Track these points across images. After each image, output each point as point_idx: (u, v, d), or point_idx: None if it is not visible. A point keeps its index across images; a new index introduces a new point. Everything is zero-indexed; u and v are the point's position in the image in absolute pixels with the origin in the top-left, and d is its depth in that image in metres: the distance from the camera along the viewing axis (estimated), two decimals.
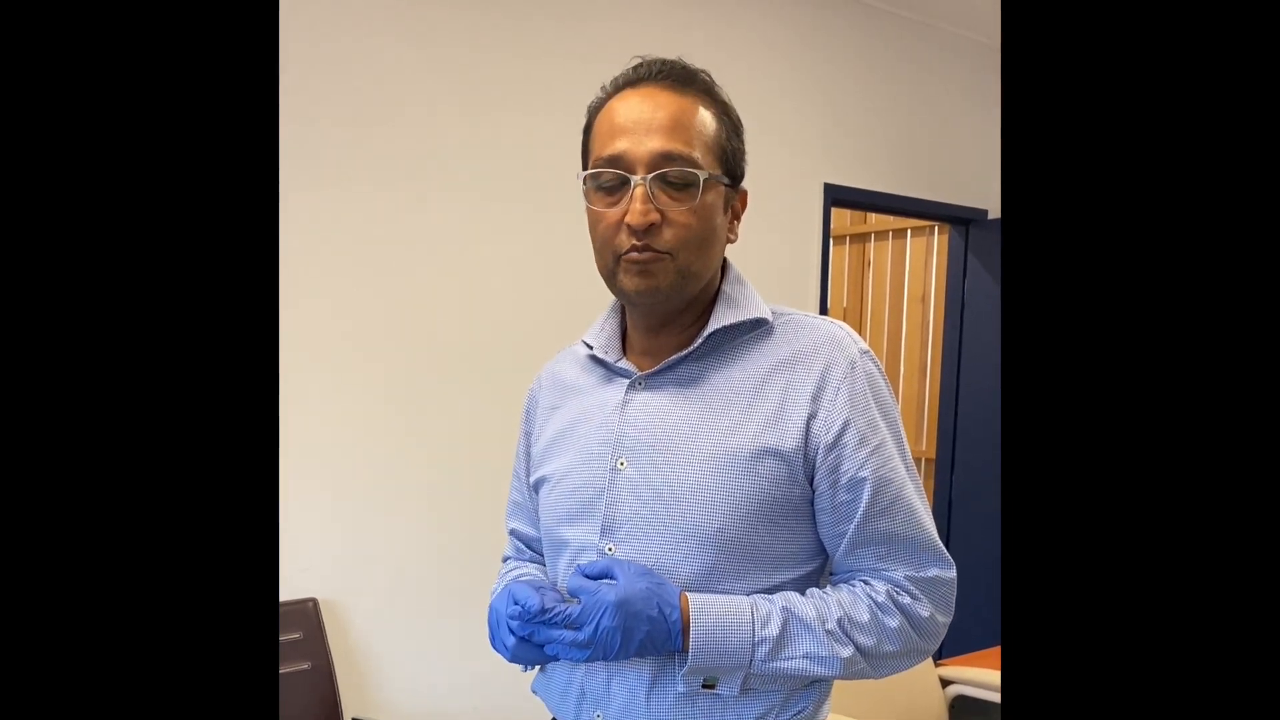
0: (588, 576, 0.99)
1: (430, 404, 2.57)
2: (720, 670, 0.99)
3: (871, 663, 1.02)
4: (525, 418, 1.23)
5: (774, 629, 0.99)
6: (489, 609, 1.07)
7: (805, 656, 1.00)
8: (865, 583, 1.03)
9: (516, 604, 0.98)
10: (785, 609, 1.00)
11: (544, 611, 0.97)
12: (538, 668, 1.14)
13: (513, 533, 1.25)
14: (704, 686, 1.00)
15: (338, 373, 2.44)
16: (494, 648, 1.05)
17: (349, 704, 2.40)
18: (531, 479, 1.17)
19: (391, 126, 2.47)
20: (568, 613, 0.96)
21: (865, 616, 1.01)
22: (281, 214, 2.26)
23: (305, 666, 2.32)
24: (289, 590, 2.37)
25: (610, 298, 1.14)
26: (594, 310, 1.20)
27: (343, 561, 2.46)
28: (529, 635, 0.98)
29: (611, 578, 0.98)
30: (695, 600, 0.99)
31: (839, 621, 1.00)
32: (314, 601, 2.39)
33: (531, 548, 1.22)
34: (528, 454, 1.20)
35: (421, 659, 2.56)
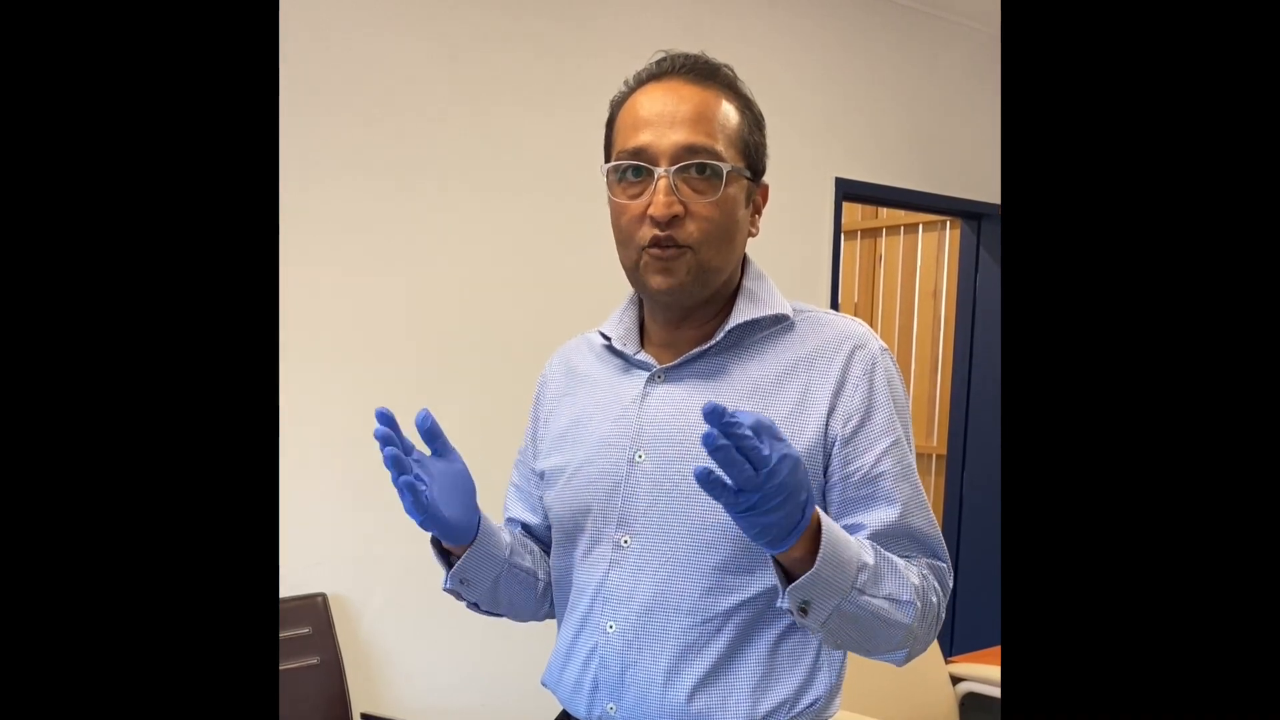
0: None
1: (440, 398, 2.55)
2: (825, 590, 0.89)
3: (918, 631, 0.98)
4: (535, 403, 1.22)
5: (870, 559, 0.93)
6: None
7: (888, 597, 0.93)
8: (906, 557, 1.01)
9: (706, 405, 0.78)
10: (874, 546, 0.96)
11: (738, 424, 0.78)
12: (549, 661, 1.13)
13: (512, 520, 1.22)
14: (799, 609, 0.90)
15: (348, 368, 2.44)
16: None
17: (358, 699, 2.40)
18: (540, 467, 1.16)
19: (400, 120, 2.47)
20: (758, 446, 0.79)
21: (917, 581, 0.98)
22: (292, 209, 2.26)
23: (314, 661, 2.32)
24: (298, 585, 2.37)
25: (627, 288, 1.13)
26: (604, 304, 1.19)
27: (352, 557, 2.46)
28: (713, 445, 0.78)
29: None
30: (819, 509, 0.90)
31: (904, 570, 0.97)
32: (323, 597, 2.39)
33: (533, 534, 1.21)
34: (535, 441, 1.20)
35: (430, 654, 2.56)
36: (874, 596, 0.92)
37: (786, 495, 0.82)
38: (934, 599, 1.01)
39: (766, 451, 0.80)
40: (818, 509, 0.89)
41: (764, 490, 0.81)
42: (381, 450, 0.94)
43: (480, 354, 2.62)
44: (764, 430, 0.81)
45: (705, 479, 0.81)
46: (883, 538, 1.01)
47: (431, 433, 1.00)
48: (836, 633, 0.94)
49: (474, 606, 1.14)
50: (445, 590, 1.11)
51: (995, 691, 2.38)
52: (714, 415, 0.77)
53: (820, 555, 0.87)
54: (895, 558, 0.98)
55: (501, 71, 2.61)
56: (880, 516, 1.01)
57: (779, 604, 0.91)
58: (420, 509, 0.97)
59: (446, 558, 1.10)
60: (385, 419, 0.95)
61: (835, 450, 1.01)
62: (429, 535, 1.07)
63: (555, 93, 2.69)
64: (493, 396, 2.59)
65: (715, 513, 0.99)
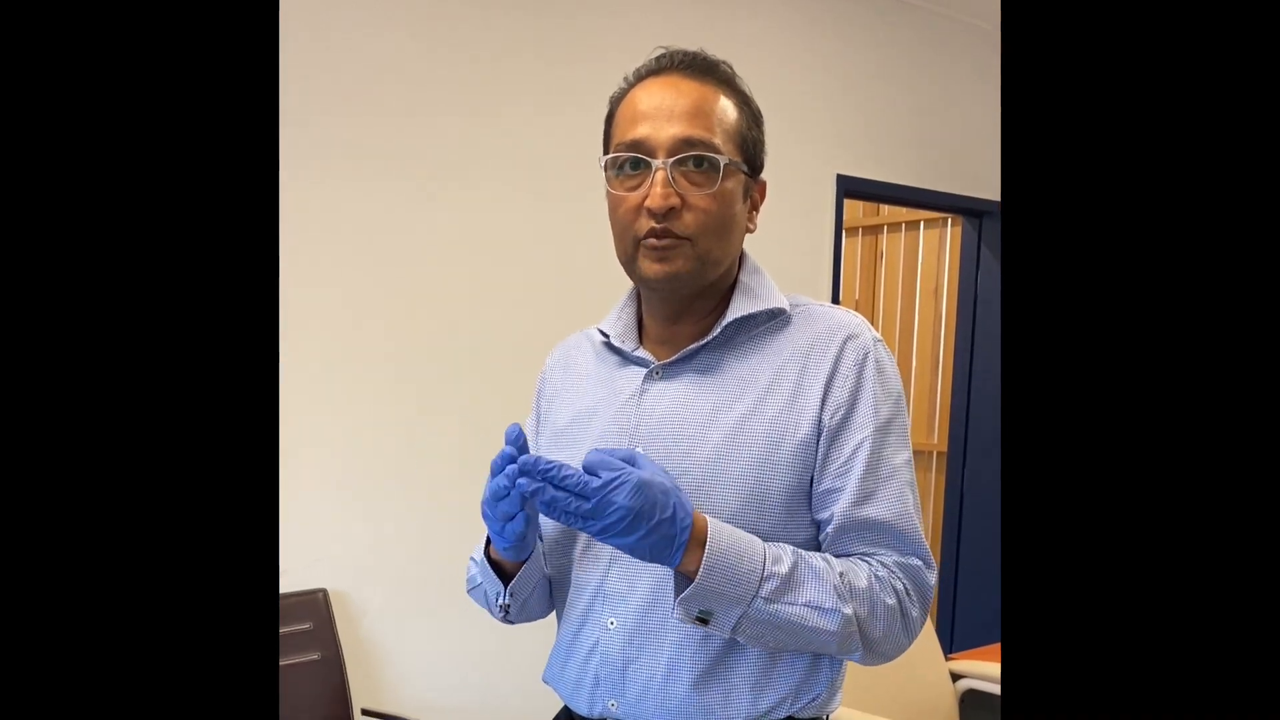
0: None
1: (440, 396, 2.57)
2: (721, 600, 0.93)
3: (863, 635, 0.99)
4: (536, 397, 1.22)
5: (784, 568, 0.95)
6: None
7: (808, 604, 0.95)
8: (865, 559, 1.01)
9: (520, 458, 0.89)
10: (795, 553, 0.98)
11: (556, 469, 0.87)
12: (550, 657, 1.14)
13: None
14: (698, 620, 0.95)
15: (349, 366, 2.44)
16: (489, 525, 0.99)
17: (358, 695, 2.40)
18: None
19: (400, 120, 2.47)
20: (582, 479, 0.88)
21: (863, 583, 0.98)
22: (291, 209, 2.26)
23: (315, 657, 2.33)
24: (299, 581, 2.38)
25: (626, 286, 1.13)
26: (601, 301, 1.19)
27: (353, 553, 2.46)
28: (531, 492, 0.88)
29: (633, 464, 0.91)
30: (711, 520, 0.94)
31: (841, 577, 0.98)
32: (324, 592, 2.40)
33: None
34: (536, 437, 1.20)
35: (431, 650, 2.56)
36: (789, 604, 0.95)
37: (635, 515, 0.88)
38: (890, 600, 0.99)
39: (598, 483, 0.87)
40: (708, 520, 0.94)
41: (605, 515, 0.87)
42: (515, 478, 0.90)
43: (480, 353, 2.62)
44: (600, 465, 0.89)
45: (546, 507, 0.88)
46: (847, 530, 1.01)
47: (524, 447, 0.95)
48: (755, 638, 0.97)
49: (505, 618, 1.13)
50: (499, 605, 1.10)
51: (996, 689, 2.38)
52: (525, 468, 0.88)
53: (703, 567, 0.92)
54: (825, 563, 0.98)
55: (500, 72, 2.61)
56: (845, 508, 1.00)
57: (673, 614, 0.95)
58: (527, 544, 0.99)
59: (491, 566, 1.09)
60: (518, 439, 0.93)
61: (822, 441, 1.01)
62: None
63: (554, 93, 2.68)
64: (492, 396, 2.59)
65: (711, 508, 1.00)
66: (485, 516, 0.98)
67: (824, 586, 0.96)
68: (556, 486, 0.88)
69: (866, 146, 3.42)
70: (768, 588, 0.94)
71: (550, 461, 0.88)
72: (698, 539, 0.92)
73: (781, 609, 0.95)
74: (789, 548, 0.98)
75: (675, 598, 0.94)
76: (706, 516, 0.95)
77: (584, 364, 1.16)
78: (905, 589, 1.01)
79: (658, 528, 0.89)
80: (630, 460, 0.91)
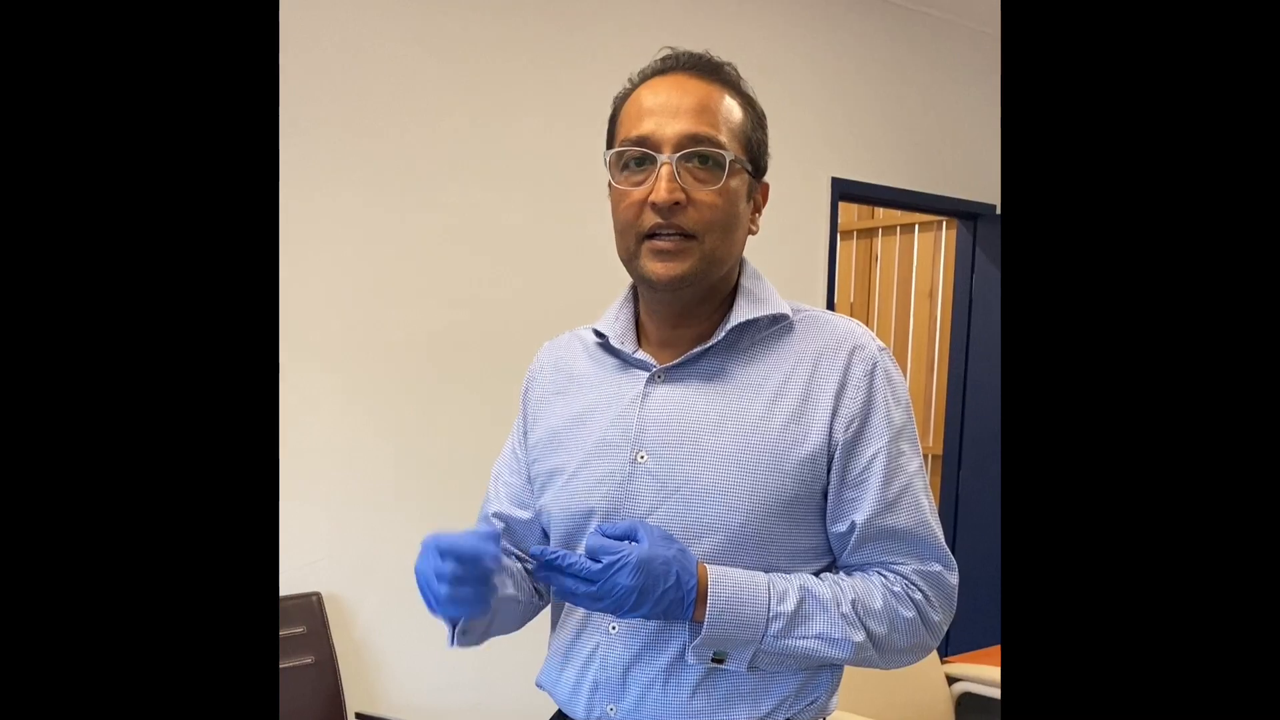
0: (610, 537, 0.98)
1: (434, 401, 2.56)
2: (731, 643, 0.98)
3: (881, 651, 1.02)
4: (523, 399, 1.20)
5: (789, 605, 0.99)
6: (415, 572, 1.02)
7: (818, 637, 0.99)
8: (880, 573, 1.04)
9: (531, 550, 0.97)
10: (802, 588, 1.00)
11: (561, 558, 0.95)
12: (545, 660, 1.13)
13: (497, 515, 1.17)
14: (713, 660, 0.99)
15: (343, 371, 2.44)
16: (427, 605, 1.01)
17: (352, 698, 2.40)
18: (535, 469, 1.15)
19: (391, 128, 2.46)
20: (585, 566, 0.95)
21: (879, 604, 1.01)
22: (292, 213, 2.26)
23: (309, 661, 2.32)
24: (293, 585, 2.37)
25: (622, 289, 1.12)
26: (595, 308, 1.18)
27: (347, 556, 2.45)
28: (543, 579, 0.97)
29: (634, 539, 0.97)
30: (714, 571, 0.98)
31: (853, 604, 1.01)
32: (318, 596, 2.39)
33: (513, 530, 1.16)
34: (525, 436, 1.18)
35: (425, 654, 2.56)
36: (800, 639, 0.99)
37: (640, 590, 0.94)
38: (908, 613, 1.02)
39: (598, 568, 0.94)
40: (709, 572, 0.98)
41: (612, 596, 0.94)
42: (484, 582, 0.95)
43: (476, 358, 2.62)
44: (601, 550, 0.95)
45: (559, 595, 0.97)
46: (867, 540, 1.02)
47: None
48: (771, 667, 1.01)
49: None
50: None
51: (991, 692, 2.38)
52: (534, 557, 0.97)
53: (707, 620, 0.97)
54: (835, 590, 1.01)
55: (499, 76, 2.61)
56: (864, 520, 1.02)
57: (687, 658, 1.00)
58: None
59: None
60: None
61: (836, 454, 1.02)
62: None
63: (550, 99, 2.68)
64: (486, 402, 2.58)
65: (719, 515, 1.00)
66: (425, 587, 1.00)
67: (832, 618, 1.00)
68: (563, 574, 0.95)
69: (861, 149, 3.42)
70: (775, 627, 0.98)
71: (554, 551, 0.95)
72: (703, 593, 0.97)
73: (792, 643, 0.99)
74: (796, 582, 1.01)
75: (689, 644, 0.99)
76: (709, 568, 0.98)
77: (578, 366, 1.14)
78: (924, 597, 1.03)
79: (663, 597, 0.95)
80: (631, 534, 0.97)
